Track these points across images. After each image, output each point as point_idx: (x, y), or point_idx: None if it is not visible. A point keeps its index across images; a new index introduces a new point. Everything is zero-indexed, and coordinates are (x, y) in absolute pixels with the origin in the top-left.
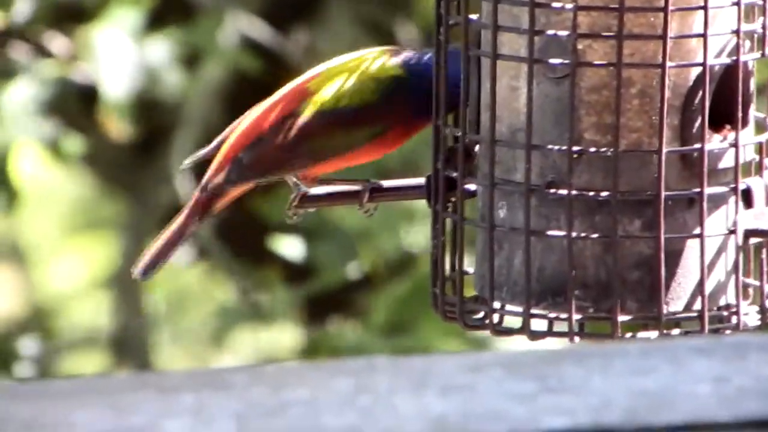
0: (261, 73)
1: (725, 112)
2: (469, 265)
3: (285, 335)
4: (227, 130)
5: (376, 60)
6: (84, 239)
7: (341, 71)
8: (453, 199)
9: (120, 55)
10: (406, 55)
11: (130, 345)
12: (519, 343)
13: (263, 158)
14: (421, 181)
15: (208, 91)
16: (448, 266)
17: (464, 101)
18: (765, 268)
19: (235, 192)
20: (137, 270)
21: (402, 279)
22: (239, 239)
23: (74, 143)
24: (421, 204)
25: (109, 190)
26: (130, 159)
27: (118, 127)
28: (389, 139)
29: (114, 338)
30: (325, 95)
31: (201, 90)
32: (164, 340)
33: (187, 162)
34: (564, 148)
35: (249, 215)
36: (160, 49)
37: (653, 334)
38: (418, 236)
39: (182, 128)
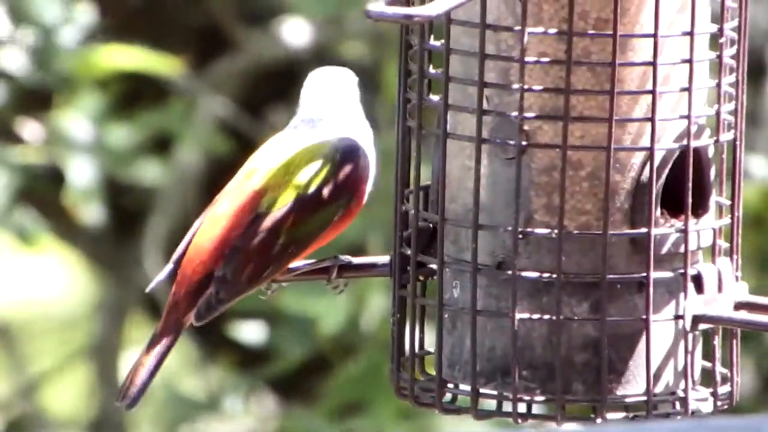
0: (235, 156)
1: (684, 197)
2: (433, 345)
3: (240, 423)
4: (182, 245)
5: (300, 139)
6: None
7: (286, 163)
8: (421, 278)
9: (86, 141)
10: (305, 127)
11: (108, 427)
12: (467, 424)
13: (247, 267)
14: (385, 259)
15: (182, 174)
16: (408, 344)
17: (417, 180)
18: (718, 354)
19: (224, 308)
20: (124, 401)
21: (356, 360)
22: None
23: (44, 228)
24: (374, 283)
25: (85, 272)
26: (103, 243)
27: (85, 213)
28: (353, 207)
29: (92, 420)
30: (282, 189)
31: (174, 173)
32: (143, 420)
33: (152, 285)
34: (512, 228)
35: None
36: (130, 134)
37: (599, 418)
38: (373, 316)
39: (155, 211)
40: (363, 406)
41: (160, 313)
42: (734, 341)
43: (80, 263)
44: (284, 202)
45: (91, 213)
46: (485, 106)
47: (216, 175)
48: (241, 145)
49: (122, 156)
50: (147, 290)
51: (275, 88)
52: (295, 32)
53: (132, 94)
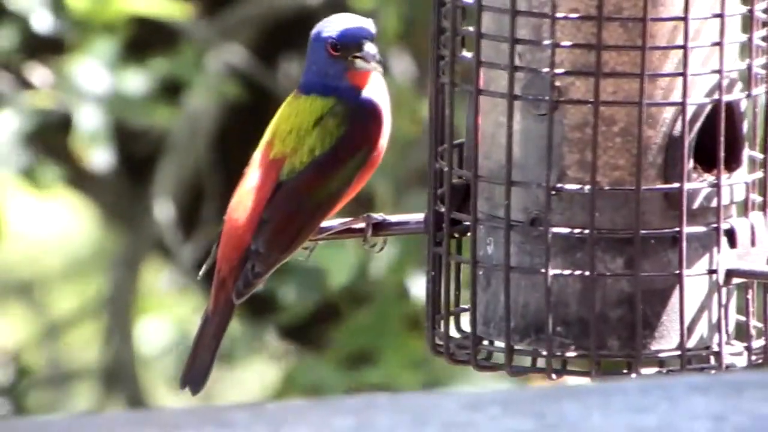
0: (247, 103)
1: (716, 152)
2: (468, 302)
3: (250, 371)
4: (226, 215)
5: (307, 103)
6: (73, 269)
7: (294, 129)
8: (456, 235)
9: (96, 86)
10: (328, 82)
11: (121, 378)
12: (476, 378)
13: (278, 237)
14: (420, 216)
15: (193, 120)
16: (443, 301)
17: (450, 137)
18: (751, 308)
19: (264, 279)
20: (189, 385)
21: (365, 309)
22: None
23: (55, 173)
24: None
25: (96, 219)
26: (114, 190)
27: (92, 158)
28: (374, 157)
29: (105, 371)
30: (299, 154)
31: (185, 120)
32: (155, 370)
33: (202, 271)
34: (545, 184)
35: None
36: (141, 80)
37: (634, 372)
38: (382, 265)
39: (166, 158)
40: (372, 356)
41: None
42: (767, 293)
43: (91, 210)
44: (302, 167)
45: (99, 158)
46: (517, 62)
47: (227, 123)
48: (254, 93)
49: (132, 102)
50: (199, 276)
51: (288, 37)
52: None
53: (143, 41)
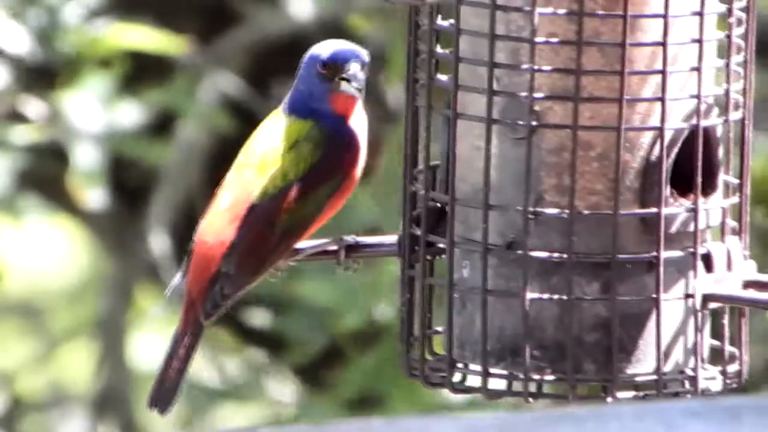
0: (240, 133)
1: (692, 177)
2: (441, 325)
3: (254, 410)
4: (191, 245)
5: (288, 126)
6: (68, 295)
7: (270, 152)
8: (428, 257)
9: (90, 122)
10: (309, 106)
11: (113, 402)
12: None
13: (247, 261)
14: (393, 239)
15: (186, 150)
16: (418, 324)
17: (427, 160)
18: (727, 333)
19: (230, 302)
20: (156, 406)
21: (371, 351)
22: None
23: (47, 211)
24: (389, 274)
25: (90, 248)
26: (108, 219)
27: (88, 196)
28: (346, 184)
29: (97, 395)
30: (271, 178)
31: (178, 150)
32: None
33: (169, 290)
34: (522, 208)
35: None
36: (135, 112)
37: (610, 397)
38: (386, 308)
39: (160, 188)
40: (378, 399)
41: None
42: (742, 320)
43: (85, 239)
44: (275, 190)
45: (95, 197)
46: (495, 86)
47: (220, 151)
48: (247, 121)
49: (127, 135)
50: (165, 295)
51: (281, 63)
52: (301, 6)
53: (136, 71)
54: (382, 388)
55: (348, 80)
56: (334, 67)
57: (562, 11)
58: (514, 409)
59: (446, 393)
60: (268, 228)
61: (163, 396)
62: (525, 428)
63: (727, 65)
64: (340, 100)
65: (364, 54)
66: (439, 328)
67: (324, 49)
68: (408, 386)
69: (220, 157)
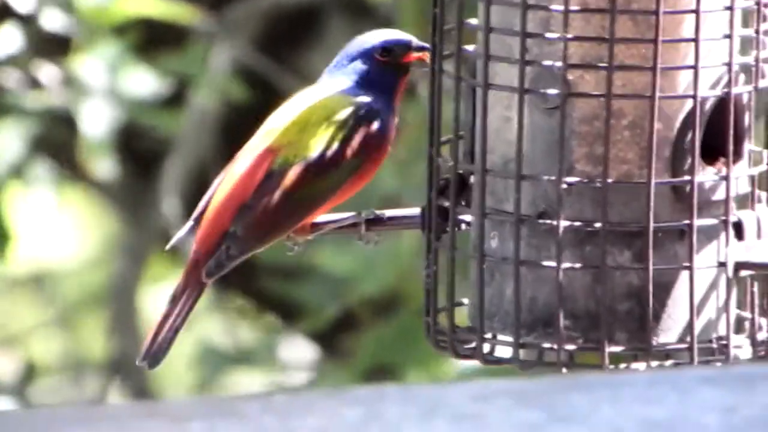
0: (254, 101)
1: (719, 144)
2: (464, 296)
3: (267, 377)
4: (201, 203)
5: (326, 99)
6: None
7: (299, 121)
8: (448, 230)
9: (102, 89)
10: (354, 87)
11: (126, 368)
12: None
13: (257, 225)
14: (416, 211)
15: (199, 118)
16: (442, 297)
17: (456, 131)
18: (756, 301)
19: (234, 264)
20: (146, 360)
21: (388, 320)
22: (226, 278)
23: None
24: (408, 242)
25: (103, 215)
26: (120, 186)
27: (98, 166)
28: (367, 168)
29: (111, 361)
30: (295, 148)
31: (191, 118)
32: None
33: (172, 242)
34: (555, 178)
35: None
36: (147, 80)
37: (642, 365)
38: (405, 278)
39: (172, 155)
40: (393, 368)
41: (179, 256)
42: None
43: (98, 207)
44: (295, 161)
45: (105, 165)
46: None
47: (233, 119)
48: (261, 89)
49: (140, 103)
50: (167, 248)
51: (295, 31)
52: None
53: (149, 39)
54: (398, 357)
55: (424, 51)
56: (394, 52)
57: None
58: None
59: (460, 363)
60: (282, 196)
61: (155, 351)
62: (538, 395)
63: (757, 32)
64: (403, 84)
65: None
66: (465, 300)
67: (373, 38)
68: (423, 356)
69: (233, 125)
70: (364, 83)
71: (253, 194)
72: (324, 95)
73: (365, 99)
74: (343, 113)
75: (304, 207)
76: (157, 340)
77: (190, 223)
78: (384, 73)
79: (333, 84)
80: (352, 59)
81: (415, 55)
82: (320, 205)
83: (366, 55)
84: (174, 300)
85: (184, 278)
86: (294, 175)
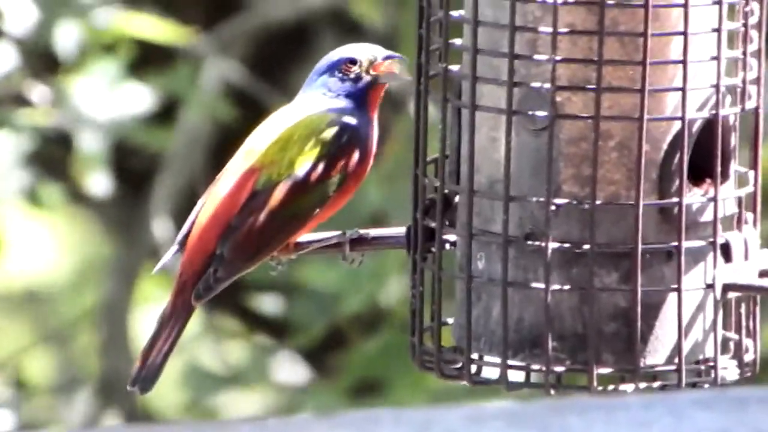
0: (244, 120)
1: (706, 165)
2: (448, 316)
3: (257, 395)
4: (186, 226)
5: (305, 117)
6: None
7: (281, 140)
8: (433, 249)
9: (95, 108)
10: (329, 103)
11: (117, 387)
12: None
13: (244, 246)
14: (401, 230)
15: (189, 136)
16: (427, 316)
17: (442, 151)
18: (743, 323)
19: (223, 286)
20: (137, 385)
21: (375, 337)
22: (213, 297)
23: (55, 193)
24: (394, 260)
25: (93, 234)
26: (111, 204)
27: (91, 183)
28: (350, 184)
29: (102, 380)
30: (278, 166)
31: (181, 136)
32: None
33: (158, 267)
34: (542, 199)
35: None
36: (138, 98)
37: (630, 386)
38: (390, 294)
39: (163, 174)
40: (381, 384)
41: (170, 275)
42: (756, 309)
43: (89, 224)
44: (278, 179)
45: (98, 182)
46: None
47: (223, 138)
48: (251, 108)
49: (131, 121)
50: (154, 272)
51: (285, 51)
52: None
53: (141, 58)
54: (386, 374)
55: (391, 60)
56: (366, 60)
57: (582, 1)
58: (518, 398)
59: (447, 381)
60: (268, 215)
61: (144, 376)
62: (532, 418)
63: (744, 54)
64: (376, 95)
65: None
66: (450, 320)
67: (343, 52)
68: (411, 372)
69: (223, 144)
70: (336, 97)
71: (237, 214)
72: (302, 113)
73: (342, 114)
74: (323, 130)
75: (290, 225)
76: (146, 364)
77: (174, 246)
78: (354, 85)
79: (307, 101)
80: (321, 74)
81: (385, 64)
82: (305, 222)
83: (333, 68)
84: (162, 323)
85: (171, 301)
86: (279, 194)
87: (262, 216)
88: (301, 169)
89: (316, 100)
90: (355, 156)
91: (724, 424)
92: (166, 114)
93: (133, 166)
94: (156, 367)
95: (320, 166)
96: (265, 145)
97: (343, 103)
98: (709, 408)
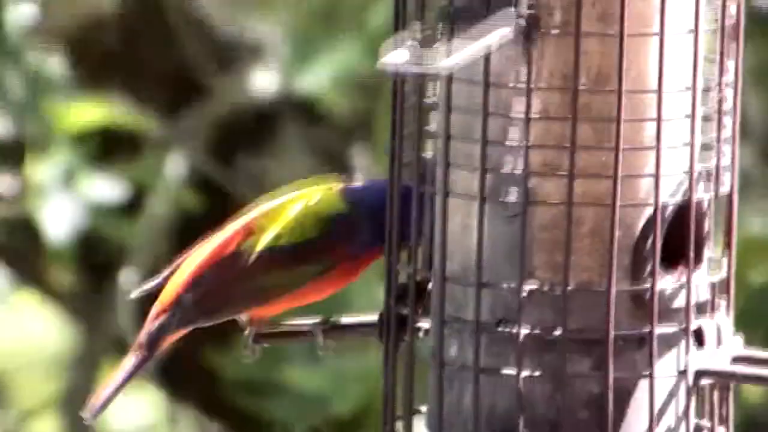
0: (208, 208)
1: (679, 250)
2: (421, 403)
3: None
4: (175, 263)
5: (321, 194)
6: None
7: (285, 208)
8: (406, 338)
9: (61, 199)
10: (352, 187)
11: None
12: None
13: (208, 296)
14: (373, 318)
15: (153, 226)
16: (401, 405)
17: (416, 238)
18: (716, 410)
19: (180, 333)
20: (89, 413)
21: None
22: (190, 391)
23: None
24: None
25: (58, 324)
26: (75, 294)
27: (59, 273)
28: (336, 275)
29: None
30: (267, 234)
31: (146, 226)
32: None
33: (135, 293)
34: (514, 285)
35: (200, 367)
36: (104, 188)
37: None
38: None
39: (127, 264)
40: None
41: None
42: (729, 395)
43: (53, 313)
44: (261, 246)
45: (66, 273)
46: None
47: (188, 226)
48: (216, 196)
49: (98, 211)
50: (132, 296)
51: (247, 137)
52: (267, 79)
53: (106, 144)
54: None
55: None
56: None
57: (555, 86)
58: None
59: None
60: (241, 278)
61: (96, 403)
62: None
63: (718, 140)
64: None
65: None
66: (423, 408)
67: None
68: None
69: (188, 231)
70: (367, 203)
71: (211, 267)
72: (320, 192)
73: (357, 210)
74: (326, 211)
75: (261, 294)
76: (101, 393)
77: (158, 279)
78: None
79: (350, 193)
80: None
81: None
82: (276, 298)
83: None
84: (127, 359)
85: (138, 340)
86: (255, 260)
87: (236, 276)
88: (286, 243)
89: (351, 186)
90: (344, 250)
91: None
92: (130, 203)
93: (97, 256)
94: (107, 396)
95: (303, 249)
96: (268, 209)
97: (369, 210)
98: None
